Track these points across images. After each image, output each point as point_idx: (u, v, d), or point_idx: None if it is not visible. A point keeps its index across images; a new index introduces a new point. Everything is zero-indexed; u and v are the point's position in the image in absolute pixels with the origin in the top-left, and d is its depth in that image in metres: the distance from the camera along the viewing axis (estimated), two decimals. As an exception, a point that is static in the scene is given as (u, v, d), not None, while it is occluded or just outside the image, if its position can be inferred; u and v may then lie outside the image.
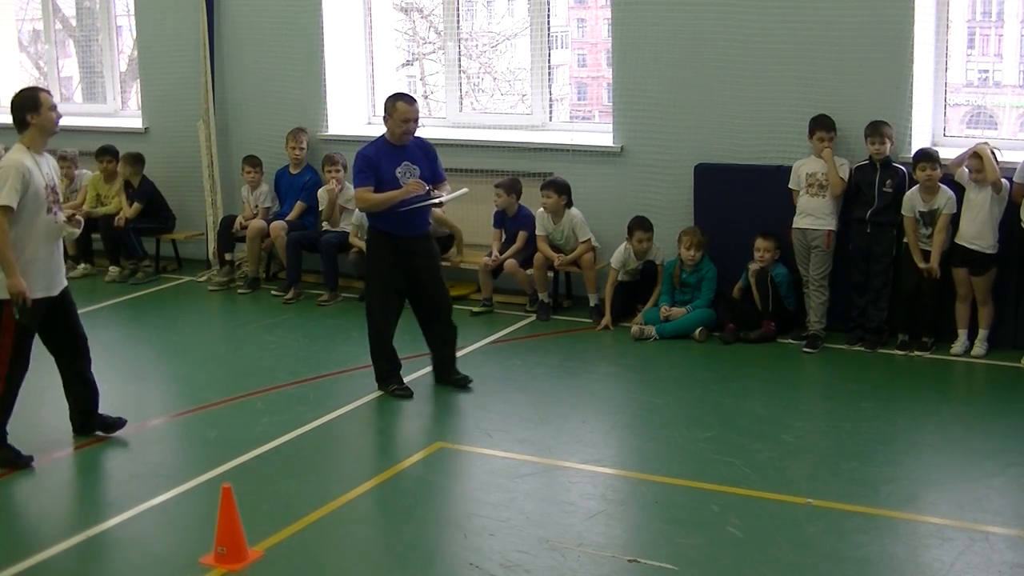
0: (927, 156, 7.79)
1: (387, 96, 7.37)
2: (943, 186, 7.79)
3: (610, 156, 9.25)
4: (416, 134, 7.31)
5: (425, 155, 7.31)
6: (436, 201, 7.30)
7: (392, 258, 7.21)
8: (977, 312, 7.85)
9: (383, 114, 7.29)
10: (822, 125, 8.14)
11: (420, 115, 7.34)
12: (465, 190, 7.55)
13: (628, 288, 8.86)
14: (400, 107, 7.15)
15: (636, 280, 8.84)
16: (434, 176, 7.33)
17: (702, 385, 7.47)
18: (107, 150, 10.87)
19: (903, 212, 7.89)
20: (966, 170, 7.73)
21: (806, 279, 8.30)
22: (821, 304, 8.22)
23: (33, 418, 7.28)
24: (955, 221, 7.79)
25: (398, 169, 7.16)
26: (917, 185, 7.85)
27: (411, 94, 7.46)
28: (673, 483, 5.93)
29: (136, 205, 10.63)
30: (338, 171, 9.91)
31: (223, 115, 10.76)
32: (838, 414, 7.01)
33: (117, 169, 10.81)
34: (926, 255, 7.86)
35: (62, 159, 11.01)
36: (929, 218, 7.82)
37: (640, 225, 8.75)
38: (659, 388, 7.41)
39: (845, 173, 8.11)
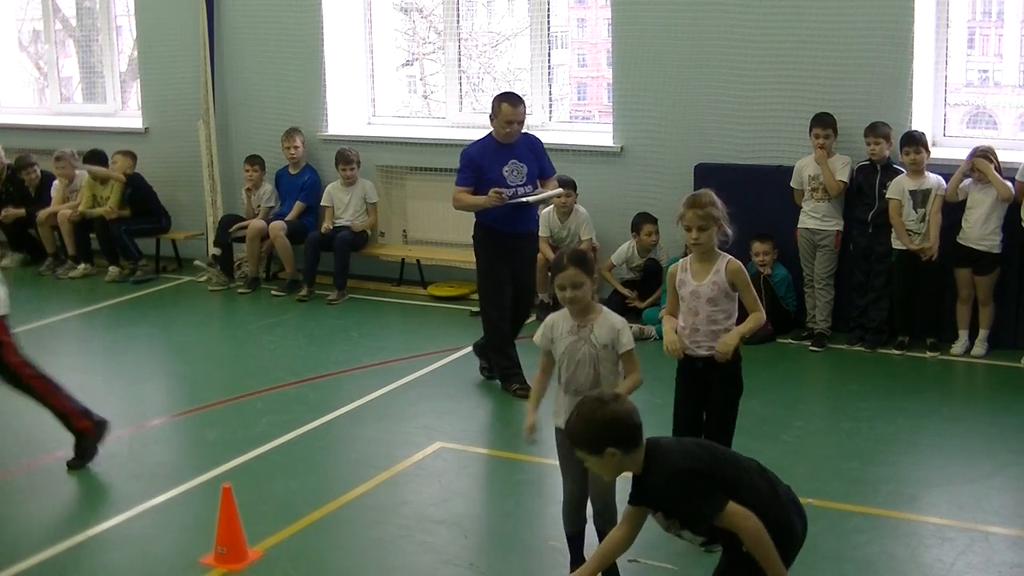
0: (912, 139, 7.79)
1: (494, 95, 7.36)
2: (930, 172, 7.81)
3: (610, 156, 9.25)
4: (519, 131, 7.25)
5: (532, 152, 7.31)
6: (522, 200, 7.21)
7: (499, 253, 7.26)
8: (977, 312, 7.85)
9: (489, 113, 7.28)
10: (818, 122, 8.14)
11: (526, 115, 7.29)
12: (559, 190, 7.56)
13: (630, 286, 8.86)
14: (504, 109, 7.14)
15: (638, 279, 8.84)
16: (541, 172, 7.35)
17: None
18: (95, 153, 10.88)
19: (888, 196, 7.87)
20: (966, 178, 7.72)
21: (809, 278, 8.30)
22: (827, 303, 8.22)
23: (33, 418, 7.28)
24: (958, 221, 7.79)
25: (505, 168, 7.17)
26: (904, 172, 7.87)
27: (518, 94, 7.37)
28: (673, 483, 5.91)
29: (114, 198, 10.63)
30: (352, 169, 9.94)
31: (223, 115, 10.76)
32: (838, 414, 7.01)
33: (111, 167, 10.82)
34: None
35: (58, 160, 11.04)
36: (921, 198, 7.80)
37: (647, 219, 8.77)
38: (659, 388, 7.38)
39: (846, 173, 8.11)
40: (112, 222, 10.58)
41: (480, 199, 7.14)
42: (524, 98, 7.31)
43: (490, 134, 7.30)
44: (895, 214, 7.86)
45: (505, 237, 7.25)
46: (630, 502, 4.04)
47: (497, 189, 7.09)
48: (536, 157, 7.33)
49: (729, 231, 5.06)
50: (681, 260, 5.20)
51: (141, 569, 5.20)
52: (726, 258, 5.07)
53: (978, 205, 7.70)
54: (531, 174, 7.24)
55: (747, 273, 5.06)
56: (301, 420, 6.94)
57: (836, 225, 8.20)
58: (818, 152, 8.11)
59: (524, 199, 7.20)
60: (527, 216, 7.33)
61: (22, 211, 11.21)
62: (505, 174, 7.16)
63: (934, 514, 5.53)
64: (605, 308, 4.84)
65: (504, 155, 7.20)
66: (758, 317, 5.05)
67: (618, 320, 4.80)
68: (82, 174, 11.08)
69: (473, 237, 7.45)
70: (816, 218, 8.21)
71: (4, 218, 11.22)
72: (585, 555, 4.72)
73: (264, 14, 10.51)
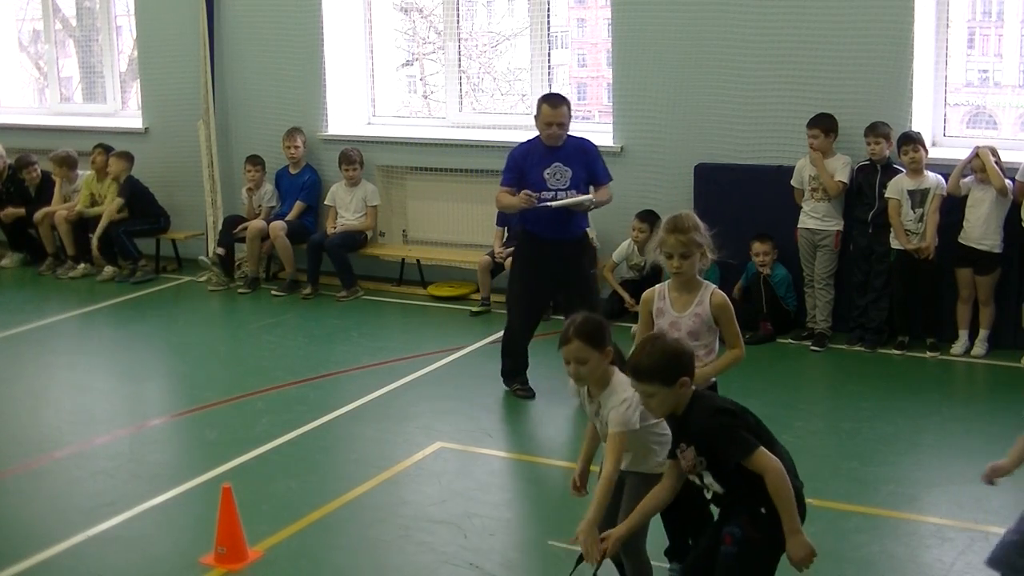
0: (909, 138, 7.81)
1: (539, 96, 7.25)
2: (929, 171, 7.81)
3: (610, 156, 9.17)
4: (562, 134, 7.04)
5: (582, 156, 7.09)
6: (547, 205, 7.03)
7: (536, 259, 7.15)
8: (978, 312, 7.86)
9: (534, 113, 7.16)
10: (812, 122, 8.15)
11: (570, 117, 7.06)
12: (589, 197, 7.11)
13: (631, 286, 8.86)
14: (544, 110, 6.98)
15: (638, 279, 8.83)
16: (592, 178, 7.10)
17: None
18: (100, 144, 10.89)
19: (888, 195, 7.88)
20: (968, 176, 7.74)
21: (809, 278, 8.31)
22: (827, 303, 8.22)
23: (33, 418, 7.28)
24: (959, 220, 7.79)
25: (547, 170, 7.00)
26: (904, 171, 7.87)
27: (561, 94, 7.18)
28: (673, 483, 5.91)
29: (117, 201, 10.63)
30: (355, 169, 9.95)
31: (223, 115, 10.75)
32: (838, 414, 7.01)
33: (107, 166, 10.79)
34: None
35: (55, 163, 11.02)
36: (919, 198, 7.80)
37: (637, 216, 8.73)
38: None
39: (846, 174, 8.11)
40: (111, 223, 10.58)
41: (514, 201, 7.03)
42: (568, 99, 7.12)
43: (538, 135, 7.16)
44: (894, 214, 7.87)
45: (544, 243, 7.09)
46: (670, 457, 4.12)
47: (528, 192, 6.95)
48: (587, 162, 7.10)
49: (712, 257, 4.65)
50: (659, 287, 4.77)
51: (141, 569, 5.20)
52: (710, 288, 4.66)
53: (979, 204, 7.70)
54: (577, 179, 7.02)
55: (732, 307, 4.68)
56: (301, 420, 6.94)
57: (836, 225, 8.20)
58: (812, 155, 8.12)
59: (549, 203, 7.03)
60: (570, 222, 7.08)
61: (22, 211, 11.20)
62: (546, 177, 7.00)
63: (934, 514, 5.53)
64: (616, 378, 4.31)
65: (548, 158, 7.03)
66: (737, 356, 4.70)
67: (618, 398, 4.25)
68: (83, 174, 11.08)
69: (517, 239, 7.43)
70: (816, 218, 8.22)
71: (4, 217, 11.22)
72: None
73: (264, 14, 10.51)
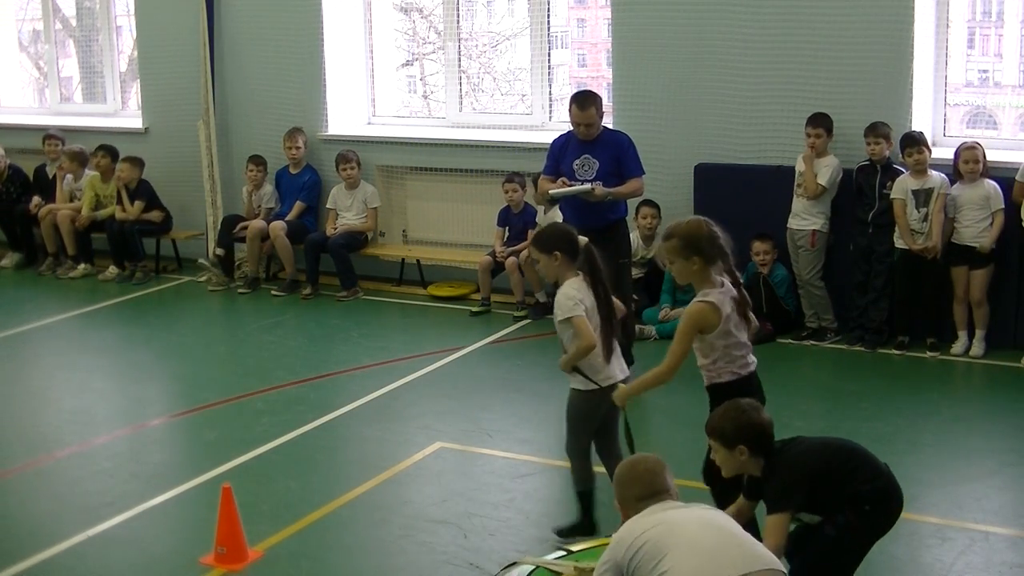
0: (913, 140, 7.81)
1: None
2: (932, 171, 7.81)
3: (610, 156, 9.22)
4: (591, 132, 7.23)
5: (613, 149, 7.27)
6: (551, 193, 7.28)
7: None
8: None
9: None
10: (814, 121, 8.14)
11: (600, 115, 7.27)
12: (587, 187, 7.16)
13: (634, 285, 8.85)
14: (572, 110, 7.23)
15: (641, 276, 8.80)
16: (620, 171, 7.26)
17: (702, 385, 7.44)
18: (102, 146, 10.87)
19: (893, 196, 7.87)
20: (954, 185, 7.76)
21: (799, 278, 8.31)
22: (820, 300, 8.22)
23: (34, 418, 7.29)
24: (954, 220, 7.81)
25: (576, 161, 7.26)
26: (907, 171, 7.87)
27: (590, 93, 7.33)
28: (673, 483, 5.91)
29: (139, 203, 10.63)
30: (352, 168, 9.95)
31: (223, 115, 10.75)
32: (838, 414, 7.00)
33: (114, 168, 10.77)
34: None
35: (74, 156, 11.01)
36: (923, 198, 7.80)
37: (642, 204, 8.67)
38: (659, 388, 7.39)
39: (826, 176, 8.07)
40: (124, 221, 10.58)
41: (542, 187, 7.37)
42: (598, 97, 7.28)
43: None
44: (900, 214, 7.86)
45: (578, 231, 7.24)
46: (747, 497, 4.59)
47: (546, 176, 7.26)
48: (617, 155, 7.26)
49: (713, 263, 4.74)
50: None
51: (141, 569, 5.21)
52: (700, 294, 4.80)
53: (969, 203, 7.71)
54: (603, 171, 7.20)
55: (693, 321, 4.74)
56: (301, 420, 6.94)
57: (812, 224, 8.19)
58: (805, 154, 8.13)
59: (552, 191, 7.24)
60: (598, 209, 7.16)
61: (41, 200, 11.14)
62: (575, 167, 7.24)
63: (934, 514, 5.53)
64: (569, 280, 5.14)
65: (580, 149, 7.27)
66: (657, 374, 4.97)
67: (561, 291, 5.12)
68: (90, 173, 11.04)
69: None
70: (797, 216, 8.24)
71: (35, 210, 11.10)
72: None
73: (264, 14, 10.50)
